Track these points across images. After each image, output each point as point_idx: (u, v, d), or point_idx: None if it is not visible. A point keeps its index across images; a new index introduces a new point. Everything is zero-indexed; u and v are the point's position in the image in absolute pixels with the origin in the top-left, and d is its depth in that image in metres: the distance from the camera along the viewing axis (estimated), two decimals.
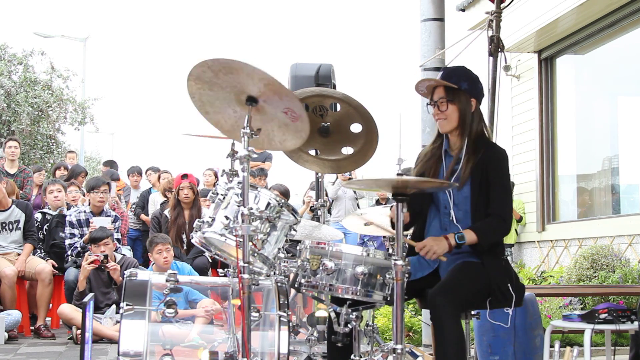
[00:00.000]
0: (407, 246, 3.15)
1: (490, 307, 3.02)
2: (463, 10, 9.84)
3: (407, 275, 2.80)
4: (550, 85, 9.63)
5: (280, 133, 3.12)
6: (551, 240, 9.27)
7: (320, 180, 4.86)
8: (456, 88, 3.14)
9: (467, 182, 3.11)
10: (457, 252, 3.06)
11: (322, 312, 3.23)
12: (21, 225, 6.46)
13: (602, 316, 4.01)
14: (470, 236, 3.01)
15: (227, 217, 3.05)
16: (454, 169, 3.16)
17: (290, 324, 3.57)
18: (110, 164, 10.70)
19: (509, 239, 9.55)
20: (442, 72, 3.26)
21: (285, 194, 7.54)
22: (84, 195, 7.77)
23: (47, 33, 19.96)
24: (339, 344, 2.97)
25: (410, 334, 5.73)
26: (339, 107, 3.72)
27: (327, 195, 8.82)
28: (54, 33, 20.38)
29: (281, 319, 3.47)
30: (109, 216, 6.70)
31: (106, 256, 5.98)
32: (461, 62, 5.49)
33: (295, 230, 3.27)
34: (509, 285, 3.02)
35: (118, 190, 9.41)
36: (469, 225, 3.07)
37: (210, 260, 6.60)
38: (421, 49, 5.54)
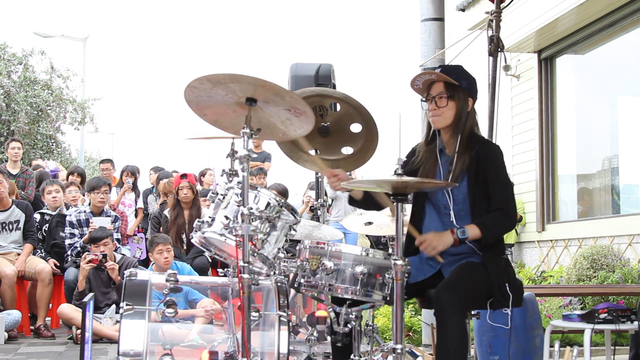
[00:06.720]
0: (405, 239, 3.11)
1: (491, 308, 3.00)
2: (463, 10, 9.83)
3: (406, 275, 2.80)
4: (550, 85, 9.63)
5: (283, 126, 3.11)
6: (551, 240, 9.27)
7: (320, 180, 4.86)
8: (457, 85, 3.12)
9: (463, 181, 3.09)
10: (459, 252, 3.04)
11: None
12: (21, 225, 6.47)
13: (602, 316, 4.01)
14: (473, 231, 2.97)
15: (227, 217, 3.05)
16: (450, 169, 3.13)
17: (290, 324, 3.57)
18: (108, 162, 10.65)
19: (509, 238, 9.54)
20: (439, 68, 3.19)
21: (283, 193, 7.52)
22: (83, 195, 7.76)
23: (47, 33, 20.02)
24: (339, 344, 2.97)
25: (410, 333, 5.72)
26: (338, 107, 3.71)
27: (326, 194, 8.81)
28: (53, 33, 20.46)
29: (281, 319, 3.47)
30: (109, 216, 6.71)
31: (105, 255, 5.99)
32: (461, 62, 5.48)
33: (295, 230, 3.27)
34: (506, 285, 3.01)
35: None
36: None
37: (210, 260, 6.60)
38: (421, 48, 5.54)
